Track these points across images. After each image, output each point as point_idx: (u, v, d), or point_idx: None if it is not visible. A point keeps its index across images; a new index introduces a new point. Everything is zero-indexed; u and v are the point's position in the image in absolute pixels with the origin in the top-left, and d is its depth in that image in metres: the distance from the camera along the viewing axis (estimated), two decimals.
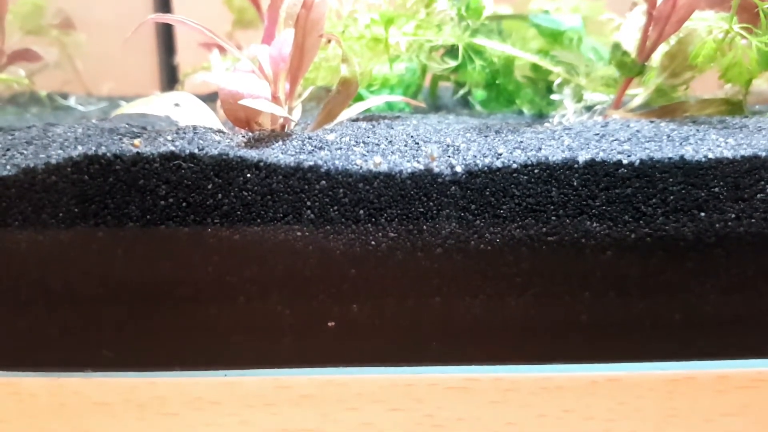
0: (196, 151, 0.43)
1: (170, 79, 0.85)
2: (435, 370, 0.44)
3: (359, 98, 0.60)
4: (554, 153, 0.43)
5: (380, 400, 0.42)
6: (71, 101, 0.74)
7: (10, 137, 0.48)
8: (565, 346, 0.45)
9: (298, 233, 0.44)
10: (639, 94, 0.60)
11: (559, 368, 0.44)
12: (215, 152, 0.43)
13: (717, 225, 0.43)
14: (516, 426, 0.42)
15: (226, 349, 0.46)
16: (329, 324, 0.45)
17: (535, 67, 0.64)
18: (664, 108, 0.57)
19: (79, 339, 0.46)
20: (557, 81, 0.60)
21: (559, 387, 0.43)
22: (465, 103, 0.69)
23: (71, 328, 0.46)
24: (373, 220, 0.44)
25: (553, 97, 0.61)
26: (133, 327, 0.45)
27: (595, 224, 0.43)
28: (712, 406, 0.42)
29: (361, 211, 0.44)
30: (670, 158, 0.43)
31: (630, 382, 0.43)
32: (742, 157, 0.43)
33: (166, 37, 0.85)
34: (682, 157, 0.43)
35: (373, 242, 0.44)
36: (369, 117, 0.57)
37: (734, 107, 0.56)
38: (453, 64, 0.60)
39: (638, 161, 0.43)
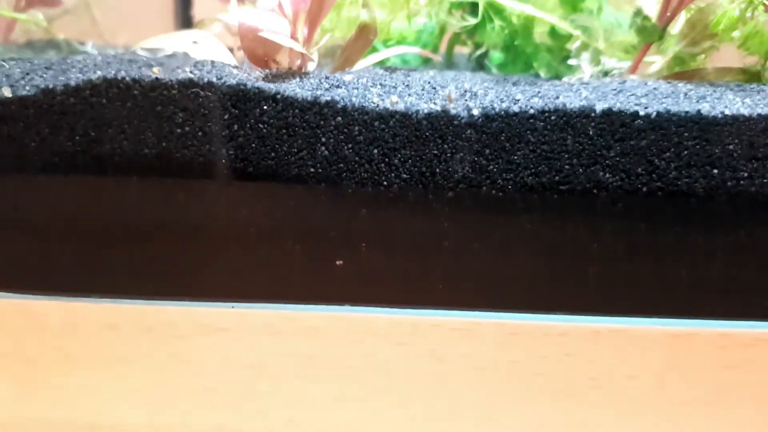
0: (214, 80, 0.43)
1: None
2: (440, 313, 0.45)
3: (375, 51, 0.60)
4: (572, 101, 0.43)
5: (385, 335, 0.43)
6: (88, 48, 0.74)
7: (29, 64, 0.49)
8: (569, 295, 0.45)
9: (311, 169, 0.44)
10: (656, 61, 0.60)
11: (562, 318, 0.45)
12: (233, 82, 0.43)
13: (729, 183, 0.43)
14: (518, 364, 0.42)
15: (235, 283, 0.46)
16: (337, 263, 0.45)
17: (554, 33, 0.64)
18: (681, 74, 0.57)
19: (91, 265, 0.46)
20: (575, 44, 0.60)
21: (562, 334, 0.43)
22: (481, 66, 0.69)
23: (84, 255, 0.46)
24: (387, 160, 0.44)
25: (571, 61, 0.61)
26: (145, 255, 0.46)
27: (607, 175, 0.44)
28: (714, 359, 0.42)
29: (375, 151, 0.44)
30: (686, 112, 0.43)
31: (632, 334, 0.44)
32: (759, 115, 0.43)
33: None
34: (698, 111, 0.43)
35: (385, 182, 0.44)
36: (386, 67, 0.57)
37: (752, 77, 0.56)
38: (472, 22, 0.60)
39: (655, 113, 0.43)
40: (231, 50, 0.60)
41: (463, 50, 0.75)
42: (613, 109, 0.43)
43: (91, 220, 0.45)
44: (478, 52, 0.66)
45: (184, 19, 0.86)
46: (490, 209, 0.44)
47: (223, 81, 0.43)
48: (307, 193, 0.45)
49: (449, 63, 0.70)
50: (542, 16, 0.59)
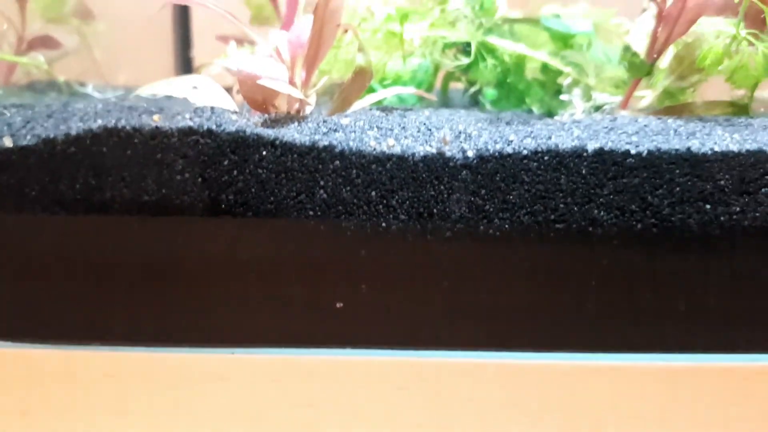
0: (213, 127, 0.44)
1: (186, 71, 0.86)
2: (441, 354, 0.45)
3: (371, 91, 0.61)
4: (564, 141, 0.44)
5: (387, 378, 0.43)
6: (89, 89, 0.75)
7: (30, 111, 0.50)
8: (569, 333, 0.45)
9: (311, 212, 0.45)
10: (646, 96, 0.61)
11: (562, 356, 0.45)
12: (232, 129, 0.44)
13: (722, 218, 0.44)
14: (520, 404, 0.42)
15: (235, 327, 0.46)
16: (337, 305, 0.46)
17: (545, 69, 0.66)
18: (670, 108, 0.58)
19: (90, 313, 0.46)
20: (567, 81, 0.61)
21: (564, 373, 0.43)
22: (475, 102, 0.70)
23: (83, 302, 0.46)
24: (385, 201, 0.45)
25: (563, 97, 0.63)
26: (144, 303, 0.46)
27: (602, 213, 0.44)
28: (717, 393, 0.43)
29: (373, 193, 0.45)
30: (677, 149, 0.44)
31: (633, 371, 0.44)
32: (748, 151, 0.44)
33: (182, 29, 0.87)
34: (688, 149, 0.44)
35: (383, 224, 0.45)
36: (382, 108, 0.58)
37: (740, 110, 0.57)
38: (465, 61, 0.61)
39: (646, 151, 0.44)
40: (229, 90, 0.61)
41: (457, 86, 0.76)
42: (605, 149, 0.44)
43: (92, 267, 0.46)
44: (473, 89, 0.67)
45: (184, 60, 0.88)
46: (487, 248, 0.45)
47: (222, 128, 0.44)
48: (306, 235, 0.45)
49: (444, 100, 0.71)
50: (533, 54, 0.60)
